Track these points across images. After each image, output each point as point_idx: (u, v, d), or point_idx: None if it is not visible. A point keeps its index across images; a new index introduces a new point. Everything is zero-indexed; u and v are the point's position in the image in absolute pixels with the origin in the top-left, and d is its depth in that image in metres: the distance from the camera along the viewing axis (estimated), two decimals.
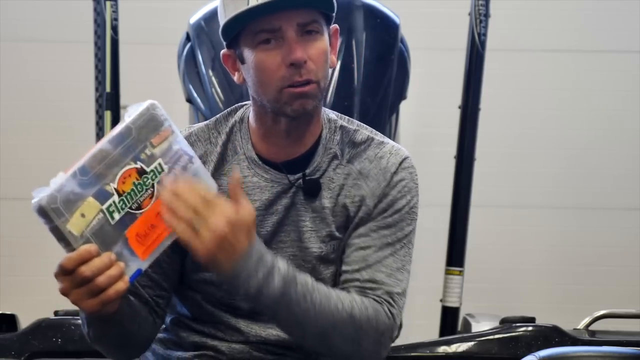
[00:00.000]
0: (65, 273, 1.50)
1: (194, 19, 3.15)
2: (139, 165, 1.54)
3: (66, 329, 2.54)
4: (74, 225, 1.49)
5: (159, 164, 1.55)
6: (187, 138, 1.78)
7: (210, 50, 3.05)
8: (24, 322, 2.65)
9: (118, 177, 1.52)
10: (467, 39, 3.54)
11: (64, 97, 4.86)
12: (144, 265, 1.55)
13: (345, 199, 1.80)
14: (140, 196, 1.54)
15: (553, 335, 2.56)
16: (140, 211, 1.54)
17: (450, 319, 3.54)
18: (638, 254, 4.96)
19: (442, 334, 3.53)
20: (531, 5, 5.01)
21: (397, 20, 3.17)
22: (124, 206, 1.52)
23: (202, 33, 3.09)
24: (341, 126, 1.84)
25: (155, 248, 1.56)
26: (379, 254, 1.77)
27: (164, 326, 1.91)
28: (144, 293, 1.75)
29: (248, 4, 1.68)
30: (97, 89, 3.59)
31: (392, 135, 3.21)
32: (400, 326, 3.52)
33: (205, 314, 1.84)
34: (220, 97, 2.99)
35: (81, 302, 1.51)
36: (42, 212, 1.49)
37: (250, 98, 1.80)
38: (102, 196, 1.51)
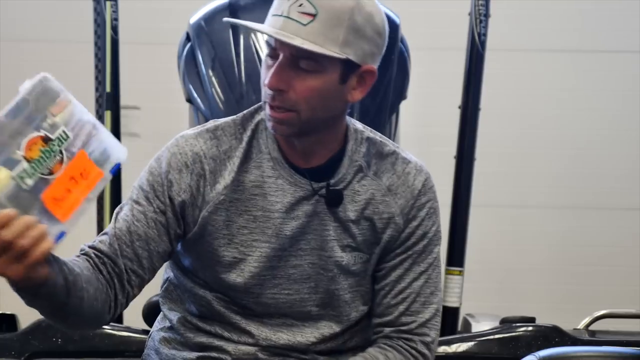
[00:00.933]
0: None
1: (194, 19, 3.15)
2: (42, 133, 1.52)
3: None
4: None
5: (63, 131, 1.54)
6: (214, 131, 1.80)
7: (210, 50, 3.04)
8: (24, 322, 2.65)
9: (23, 145, 1.50)
10: (467, 39, 3.54)
11: None
12: (66, 227, 1.51)
13: (373, 214, 1.82)
14: (50, 162, 1.51)
15: (553, 335, 2.56)
16: (53, 176, 1.51)
17: (450, 319, 3.54)
18: (638, 254, 4.96)
19: (442, 334, 3.53)
20: (531, 5, 5.01)
21: (397, 20, 3.17)
22: (34, 172, 1.50)
23: (202, 33, 3.09)
24: (367, 137, 1.84)
25: (76, 210, 1.52)
26: (415, 284, 1.84)
27: (168, 324, 1.91)
28: (121, 263, 1.72)
29: (273, 12, 1.71)
30: (97, 89, 3.59)
31: (392, 135, 3.21)
32: None
33: (214, 313, 1.83)
34: (220, 97, 2.98)
35: (7, 270, 1.45)
36: None
37: None
38: (10, 164, 1.49)
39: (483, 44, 3.51)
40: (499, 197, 5.03)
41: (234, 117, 1.85)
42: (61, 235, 1.51)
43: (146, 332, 2.51)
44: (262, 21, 1.82)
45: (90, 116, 1.59)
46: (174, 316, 1.89)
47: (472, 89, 3.54)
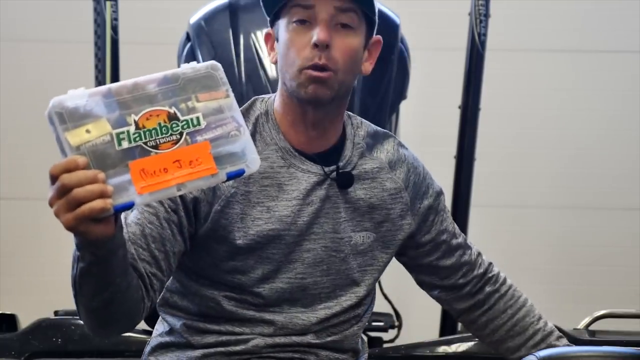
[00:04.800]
0: (53, 181, 1.43)
1: (194, 19, 3.15)
2: (172, 110, 1.48)
3: (66, 329, 2.54)
4: (74, 135, 1.42)
5: (197, 117, 1.48)
6: None
7: (210, 50, 3.04)
8: (24, 322, 2.65)
9: (143, 112, 1.46)
10: (467, 39, 3.54)
11: None
12: (138, 200, 1.43)
13: (382, 192, 1.89)
14: (162, 137, 1.46)
15: None
16: (156, 151, 1.45)
17: (450, 319, 3.54)
18: (638, 254, 4.96)
19: (442, 334, 3.53)
20: (531, 5, 5.01)
21: (397, 20, 3.17)
22: (137, 139, 1.44)
23: (202, 33, 3.09)
24: (361, 121, 1.93)
25: (158, 190, 1.44)
26: (455, 226, 2.04)
27: (169, 329, 1.89)
28: (140, 267, 1.70)
29: None
30: None
31: None
32: (400, 326, 3.53)
33: (225, 312, 1.84)
34: None
35: (60, 215, 1.42)
36: (49, 117, 1.42)
37: (279, 85, 1.83)
38: (117, 122, 1.44)
39: (483, 44, 3.51)
40: (499, 197, 5.03)
41: None
42: (129, 205, 1.43)
43: (146, 332, 2.51)
44: (262, 22, 1.83)
45: (241, 119, 1.52)
46: (177, 322, 1.88)
47: (472, 89, 3.54)
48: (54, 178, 1.42)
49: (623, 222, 5.03)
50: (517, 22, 4.98)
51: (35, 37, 5.00)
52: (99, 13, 3.53)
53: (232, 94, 1.53)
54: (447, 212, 2.02)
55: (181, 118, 1.47)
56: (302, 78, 1.76)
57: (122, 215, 1.72)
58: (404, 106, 3.30)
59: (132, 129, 1.45)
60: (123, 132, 1.44)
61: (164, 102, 1.47)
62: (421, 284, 2.08)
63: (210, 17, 3.10)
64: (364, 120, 1.94)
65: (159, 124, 1.46)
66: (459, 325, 3.41)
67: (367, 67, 1.86)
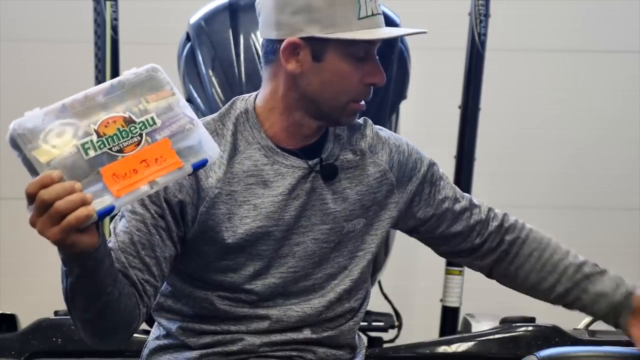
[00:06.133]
0: (30, 201, 1.45)
1: (194, 19, 3.15)
2: (127, 114, 1.53)
3: (66, 329, 2.54)
4: (42, 153, 1.47)
5: (151, 117, 1.54)
6: None
7: (210, 50, 3.04)
8: (24, 322, 2.65)
9: (101, 120, 1.51)
10: (467, 39, 3.54)
11: (64, 97, 4.84)
12: (117, 202, 1.48)
13: (367, 177, 1.91)
14: (124, 141, 1.51)
15: (553, 335, 2.56)
16: (122, 154, 1.51)
17: (450, 319, 3.54)
18: (638, 254, 4.96)
19: (442, 334, 3.53)
20: (531, 5, 5.01)
21: (397, 20, 3.17)
22: (102, 146, 1.50)
23: (202, 33, 3.09)
24: None
25: (133, 190, 1.49)
26: (457, 190, 2.04)
27: (165, 332, 1.90)
28: (132, 274, 1.72)
29: (359, 14, 1.76)
30: None
31: None
32: (400, 326, 3.53)
33: (220, 313, 1.84)
34: (220, 97, 2.98)
35: (45, 231, 1.45)
36: (12, 141, 1.48)
37: (290, 93, 1.81)
38: (79, 134, 1.49)
39: (483, 44, 3.52)
40: (498, 197, 5.01)
41: (212, 115, 1.88)
42: (109, 209, 1.47)
43: (147, 332, 2.51)
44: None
45: (191, 113, 1.58)
46: (172, 325, 1.88)
47: (472, 89, 3.54)
48: (31, 197, 1.44)
49: (623, 222, 5.03)
50: (517, 22, 4.97)
51: (35, 37, 5.00)
52: (99, 13, 3.54)
53: (177, 91, 1.59)
54: (444, 180, 2.04)
55: (137, 120, 1.53)
56: (349, 109, 1.82)
57: (111, 226, 1.77)
58: (404, 106, 3.30)
59: (94, 137, 1.50)
60: (87, 142, 1.49)
61: (117, 109, 1.53)
62: (443, 254, 2.11)
63: (210, 17, 3.10)
64: None
65: (118, 129, 1.52)
66: (459, 325, 3.41)
67: None
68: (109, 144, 1.50)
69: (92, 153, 1.49)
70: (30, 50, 5.00)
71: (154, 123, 1.54)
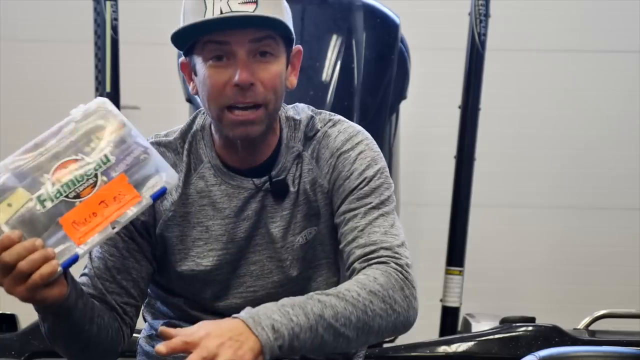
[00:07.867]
0: None
1: None
2: (79, 156, 1.52)
3: None
4: None
5: (105, 155, 1.53)
6: (158, 147, 1.77)
7: None
8: (24, 322, 2.65)
9: (53, 168, 1.50)
10: (467, 39, 3.54)
11: (64, 97, 4.85)
12: (80, 251, 1.49)
13: (305, 185, 1.79)
14: (80, 186, 1.50)
15: (553, 335, 2.56)
16: (79, 200, 1.50)
17: (450, 319, 3.54)
18: (638, 254, 4.96)
19: (442, 334, 3.53)
20: (531, 5, 5.01)
21: (397, 20, 3.17)
22: (58, 195, 1.49)
23: None
24: (303, 118, 1.81)
25: (95, 235, 1.50)
26: (368, 217, 1.72)
27: (155, 333, 1.90)
28: (110, 299, 1.73)
29: (204, 17, 1.67)
30: (97, 89, 3.59)
31: (392, 135, 3.21)
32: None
33: (193, 317, 1.82)
34: None
35: (13, 290, 1.46)
36: None
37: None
38: (33, 186, 1.49)
39: (483, 44, 3.52)
40: (498, 197, 5.03)
41: (178, 129, 1.82)
42: (73, 258, 1.49)
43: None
44: None
45: (144, 141, 1.57)
46: (159, 324, 1.88)
47: (472, 89, 3.54)
48: None
49: (623, 222, 5.03)
50: (517, 22, 4.98)
51: (36, 37, 5.00)
52: (99, 13, 3.54)
53: (127, 121, 1.57)
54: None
55: (90, 161, 1.52)
56: (227, 120, 1.69)
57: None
58: (404, 106, 3.31)
59: (49, 187, 1.49)
60: (43, 194, 1.49)
61: (68, 152, 1.52)
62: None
63: None
64: (309, 111, 1.84)
65: (72, 174, 1.51)
66: (459, 325, 3.41)
67: (292, 80, 1.78)
68: (65, 192, 1.49)
69: (49, 204, 1.48)
70: (31, 50, 5.00)
71: (108, 160, 1.53)
